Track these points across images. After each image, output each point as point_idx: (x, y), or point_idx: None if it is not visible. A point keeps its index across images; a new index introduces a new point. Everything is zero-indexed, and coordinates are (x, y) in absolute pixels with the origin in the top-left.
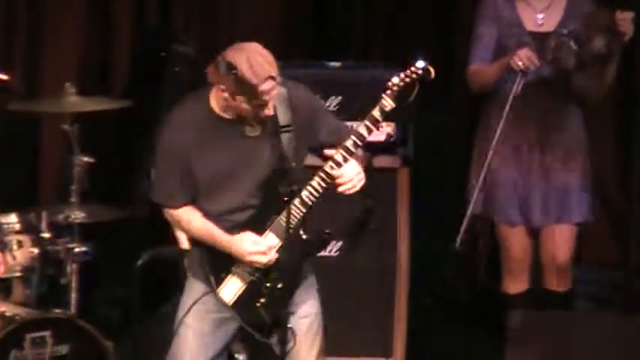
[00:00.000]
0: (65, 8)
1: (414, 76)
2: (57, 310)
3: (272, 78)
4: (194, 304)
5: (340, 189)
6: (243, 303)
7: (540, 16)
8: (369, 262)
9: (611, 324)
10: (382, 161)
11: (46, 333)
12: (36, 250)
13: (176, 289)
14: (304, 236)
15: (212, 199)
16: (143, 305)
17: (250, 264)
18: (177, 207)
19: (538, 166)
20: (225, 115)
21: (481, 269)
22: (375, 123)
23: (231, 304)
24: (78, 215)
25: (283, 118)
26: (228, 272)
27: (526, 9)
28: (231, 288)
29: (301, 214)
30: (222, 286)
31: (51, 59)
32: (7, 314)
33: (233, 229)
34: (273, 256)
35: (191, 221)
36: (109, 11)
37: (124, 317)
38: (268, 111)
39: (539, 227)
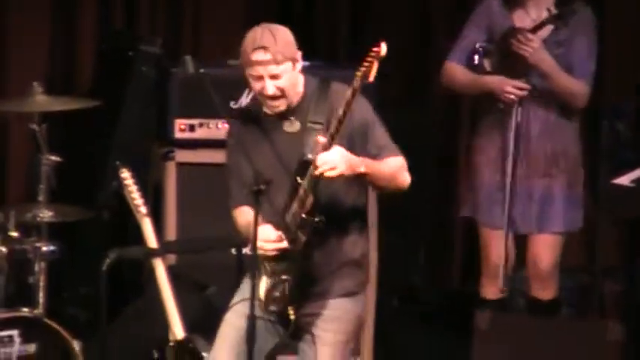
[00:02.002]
0: (29, 8)
1: (373, 54)
2: (25, 309)
3: (264, 49)
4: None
5: (317, 171)
6: (267, 299)
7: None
8: None
9: (577, 327)
10: None
11: (13, 332)
12: (4, 249)
13: (143, 288)
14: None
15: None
16: (110, 304)
17: (264, 260)
18: (233, 207)
19: (523, 172)
20: (268, 111)
21: (454, 270)
22: (348, 106)
23: (264, 301)
24: (46, 214)
25: (314, 115)
26: (261, 272)
27: (523, 18)
28: (263, 285)
29: (302, 200)
30: (260, 284)
31: (16, 59)
32: None
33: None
34: (279, 247)
35: (238, 219)
36: (74, 11)
37: (92, 316)
38: (266, 90)
39: (522, 234)
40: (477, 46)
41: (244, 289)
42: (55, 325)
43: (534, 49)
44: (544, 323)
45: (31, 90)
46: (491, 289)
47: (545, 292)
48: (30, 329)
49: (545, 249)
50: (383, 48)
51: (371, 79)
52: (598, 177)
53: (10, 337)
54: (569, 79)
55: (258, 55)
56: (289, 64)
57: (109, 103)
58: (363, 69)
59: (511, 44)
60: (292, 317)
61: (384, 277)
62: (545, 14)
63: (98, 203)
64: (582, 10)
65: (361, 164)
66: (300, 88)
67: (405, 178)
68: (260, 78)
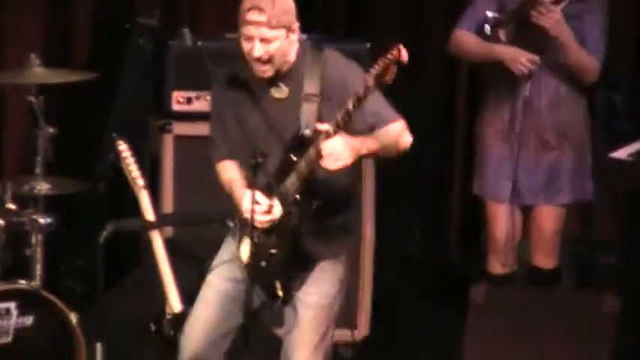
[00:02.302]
0: None
1: (391, 57)
2: (22, 282)
3: (259, 10)
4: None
5: (323, 163)
6: (251, 264)
7: None
8: None
9: (573, 299)
10: None
11: (10, 304)
12: (1, 222)
13: (140, 260)
14: (302, 202)
15: (241, 157)
16: (107, 277)
17: (249, 221)
18: (216, 160)
19: (531, 144)
20: (255, 74)
21: (451, 244)
22: (359, 99)
23: (244, 263)
24: (43, 187)
25: (309, 86)
26: (243, 232)
27: None
28: (245, 248)
29: (298, 182)
30: (240, 245)
31: (12, 31)
32: None
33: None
34: (269, 219)
35: (221, 174)
36: None
37: (89, 289)
38: (254, 52)
39: (529, 206)
40: (490, 16)
41: (225, 250)
42: (52, 297)
43: (556, 20)
44: (540, 295)
45: (28, 62)
46: (497, 264)
47: (547, 261)
48: (27, 301)
49: (550, 219)
50: (404, 54)
51: (388, 81)
52: (595, 149)
53: (8, 309)
54: (583, 54)
55: (253, 15)
56: (283, 31)
57: (106, 75)
58: (378, 68)
59: (530, 15)
60: (280, 293)
61: (381, 250)
62: None
63: (95, 175)
64: None
65: (363, 147)
66: (292, 57)
67: (406, 141)
68: (251, 38)
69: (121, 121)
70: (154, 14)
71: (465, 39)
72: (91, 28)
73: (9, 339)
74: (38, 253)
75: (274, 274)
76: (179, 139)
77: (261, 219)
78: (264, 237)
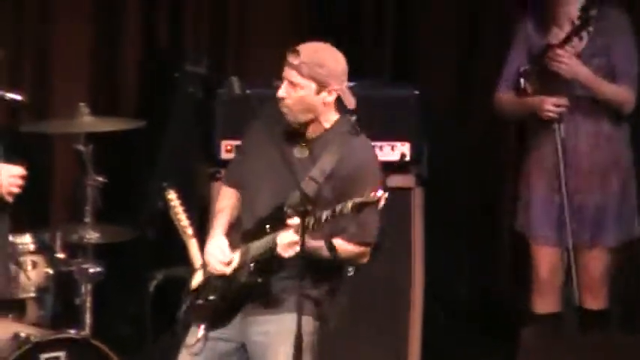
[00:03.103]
0: (73, 28)
1: (370, 200)
2: (71, 331)
3: (296, 53)
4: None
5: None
6: (192, 297)
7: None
8: (383, 280)
9: (626, 343)
10: (396, 181)
11: (60, 354)
12: (50, 271)
13: None
14: (250, 274)
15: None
16: (156, 325)
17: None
18: (224, 183)
19: (575, 187)
20: (289, 123)
21: (501, 283)
22: (333, 215)
23: (189, 289)
24: (92, 235)
25: (321, 165)
26: (202, 266)
27: (559, 36)
28: (197, 278)
29: (258, 252)
30: (195, 273)
31: (61, 79)
32: (22, 335)
33: (243, 228)
34: (223, 271)
35: (218, 200)
36: (119, 31)
37: (138, 337)
38: (279, 90)
39: (574, 247)
40: (521, 70)
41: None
42: (101, 345)
43: (567, 63)
44: (591, 339)
45: (77, 111)
46: (542, 305)
47: (595, 301)
48: (77, 351)
49: (596, 260)
50: (382, 201)
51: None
52: None
53: (57, 358)
54: (610, 87)
55: (290, 57)
56: (312, 84)
57: (154, 123)
58: (357, 202)
59: (546, 62)
60: (200, 335)
61: (431, 288)
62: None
63: (143, 223)
64: (616, 15)
65: (320, 252)
66: (326, 123)
67: (362, 262)
68: (283, 79)
69: (168, 169)
70: (203, 62)
71: (503, 100)
72: (140, 75)
73: None
74: (87, 302)
75: (202, 318)
76: None
77: (217, 267)
78: (213, 280)
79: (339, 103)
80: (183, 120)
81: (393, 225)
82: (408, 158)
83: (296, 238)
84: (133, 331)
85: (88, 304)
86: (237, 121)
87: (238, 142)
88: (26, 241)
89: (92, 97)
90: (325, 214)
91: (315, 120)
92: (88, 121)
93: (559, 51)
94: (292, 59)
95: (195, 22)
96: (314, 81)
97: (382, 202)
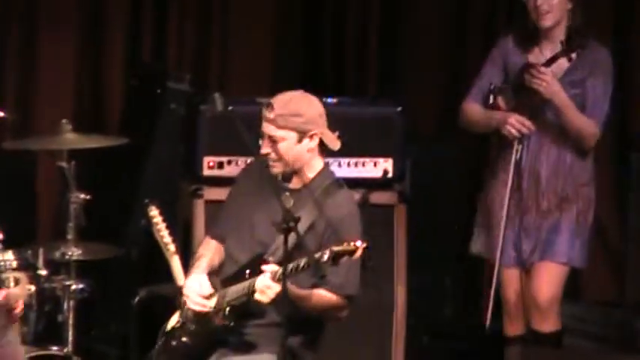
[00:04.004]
0: (56, 46)
1: (349, 249)
2: (54, 348)
3: (271, 107)
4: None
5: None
6: (167, 337)
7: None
8: (366, 299)
9: None
10: (379, 197)
11: None
12: (33, 288)
13: None
14: (224, 318)
15: (228, 241)
16: (140, 342)
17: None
18: (209, 235)
19: (532, 210)
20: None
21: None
22: (309, 264)
23: (165, 330)
24: (75, 252)
25: (304, 216)
26: (180, 305)
27: (538, 57)
28: (174, 319)
29: (235, 297)
30: (175, 313)
31: (44, 96)
32: None
33: (223, 275)
34: (202, 304)
35: (199, 249)
36: (102, 47)
37: (122, 355)
38: (262, 148)
39: (525, 268)
40: (491, 86)
41: None
42: None
43: (548, 82)
44: (574, 357)
45: (59, 127)
46: (511, 327)
47: (544, 324)
48: None
49: (545, 279)
50: (359, 251)
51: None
52: (627, 209)
53: None
54: (580, 118)
55: (265, 111)
56: (293, 134)
57: (137, 140)
58: (334, 250)
59: (524, 80)
60: None
61: (413, 315)
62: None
63: (127, 241)
64: (598, 51)
65: (300, 301)
66: (311, 172)
67: (341, 316)
68: (263, 135)
69: (152, 186)
70: (185, 78)
71: (470, 111)
72: (123, 93)
73: None
74: (70, 319)
75: (176, 359)
76: (210, 204)
77: (196, 300)
78: (188, 322)
79: (322, 146)
80: (166, 137)
81: (375, 242)
82: (390, 175)
83: (270, 283)
84: (117, 348)
85: (71, 321)
86: (220, 138)
87: (221, 159)
88: (9, 258)
89: (75, 113)
90: (303, 262)
91: (300, 170)
92: (70, 138)
93: (543, 69)
94: (267, 113)
95: (179, 38)
96: (293, 130)
97: (359, 253)
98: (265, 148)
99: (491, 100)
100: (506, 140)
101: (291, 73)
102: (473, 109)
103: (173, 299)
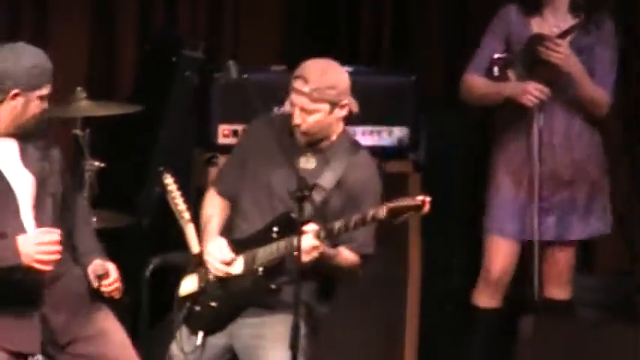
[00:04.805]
0: (69, 12)
1: (414, 204)
2: None
3: (304, 80)
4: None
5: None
6: (187, 303)
7: (555, 30)
8: (379, 271)
9: (622, 332)
10: (393, 166)
11: None
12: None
13: None
14: (260, 280)
15: (241, 201)
16: (152, 311)
17: (206, 267)
18: (216, 192)
19: (545, 181)
20: (303, 129)
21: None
22: (364, 222)
23: (180, 296)
24: None
25: (327, 177)
26: (194, 269)
27: (541, 25)
28: (188, 283)
29: (267, 259)
30: (184, 279)
31: (57, 64)
32: None
33: (234, 236)
34: (226, 271)
35: (207, 204)
36: (115, 14)
37: (134, 324)
38: (293, 118)
39: (538, 241)
40: (496, 57)
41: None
42: None
43: (565, 55)
44: (588, 327)
45: (73, 95)
46: (486, 298)
47: (562, 292)
48: None
49: (562, 254)
50: (426, 208)
51: (396, 221)
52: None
53: None
54: (595, 87)
55: (298, 84)
56: (326, 105)
57: (151, 108)
58: (397, 205)
59: (539, 51)
60: (199, 342)
61: (427, 283)
62: (567, 20)
63: (140, 209)
64: (602, 20)
65: (329, 260)
66: (334, 136)
67: (356, 273)
68: (294, 105)
69: (166, 154)
70: (199, 46)
71: (475, 82)
72: (137, 60)
73: None
74: None
75: (200, 325)
76: None
77: (219, 267)
78: (211, 287)
79: None
80: (180, 104)
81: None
82: (405, 144)
83: (317, 242)
84: (129, 316)
85: None
86: (234, 106)
87: (235, 127)
88: None
89: (89, 81)
90: (354, 220)
91: (326, 136)
92: (84, 106)
93: (559, 41)
94: (301, 86)
95: (193, 6)
96: (327, 103)
97: (427, 208)
98: (298, 119)
99: (496, 72)
100: (518, 113)
101: (305, 41)
102: (477, 81)
103: (186, 268)
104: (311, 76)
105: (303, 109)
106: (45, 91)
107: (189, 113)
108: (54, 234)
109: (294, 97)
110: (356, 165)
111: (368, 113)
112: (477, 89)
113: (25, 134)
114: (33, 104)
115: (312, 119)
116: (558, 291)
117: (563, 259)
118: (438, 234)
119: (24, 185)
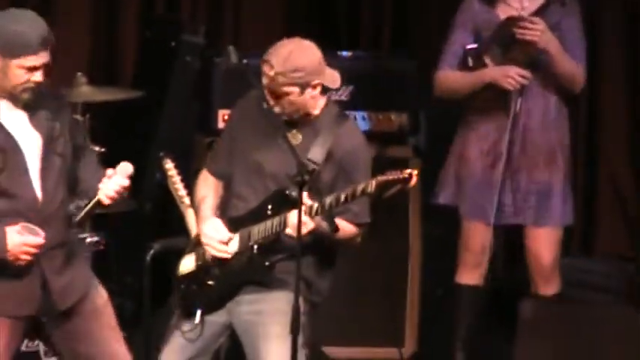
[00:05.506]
0: None
1: (402, 177)
2: None
3: (269, 64)
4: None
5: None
6: (184, 282)
7: (523, 12)
8: (380, 252)
9: (623, 315)
10: (393, 151)
11: None
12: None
13: None
14: (255, 257)
15: (233, 180)
16: (154, 296)
17: (204, 247)
18: (208, 172)
19: (524, 164)
20: (278, 110)
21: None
22: (354, 196)
23: (179, 275)
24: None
25: (315, 150)
26: (192, 248)
27: (506, 10)
28: (187, 263)
29: (262, 235)
30: (182, 259)
31: (58, 49)
32: None
33: (230, 215)
34: (224, 250)
35: (199, 185)
36: (116, 0)
37: (136, 308)
38: (266, 99)
39: (517, 227)
40: (469, 47)
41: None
42: None
43: (542, 31)
44: (587, 310)
45: (74, 80)
46: (468, 275)
47: (548, 287)
48: None
49: (546, 245)
50: (413, 181)
51: (386, 196)
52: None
53: None
54: (571, 63)
55: (265, 68)
56: (295, 88)
57: (152, 93)
58: (386, 179)
59: (514, 33)
60: (197, 321)
61: (428, 266)
62: (524, 4)
63: (141, 194)
64: None
65: (322, 231)
66: (316, 111)
67: (356, 243)
68: (263, 87)
69: (166, 139)
70: (200, 31)
71: (450, 77)
72: (137, 46)
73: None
74: None
75: (198, 303)
76: None
77: (217, 247)
78: (209, 265)
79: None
80: (180, 90)
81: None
82: (405, 129)
83: (306, 218)
84: (131, 301)
85: None
86: (234, 91)
87: None
88: None
89: (90, 66)
90: (344, 194)
91: (306, 112)
92: (85, 91)
93: (535, 19)
94: (267, 70)
95: None
96: (294, 85)
97: (414, 181)
98: (270, 101)
99: (471, 63)
100: (494, 95)
101: (305, 27)
102: (451, 75)
103: (187, 252)
104: (275, 60)
105: (271, 92)
106: (28, 62)
107: (189, 99)
108: (39, 237)
109: (263, 79)
110: (343, 136)
111: (368, 98)
112: (453, 83)
113: (24, 102)
114: (12, 73)
115: (283, 101)
116: (545, 286)
117: (547, 250)
118: (438, 216)
119: (32, 145)
